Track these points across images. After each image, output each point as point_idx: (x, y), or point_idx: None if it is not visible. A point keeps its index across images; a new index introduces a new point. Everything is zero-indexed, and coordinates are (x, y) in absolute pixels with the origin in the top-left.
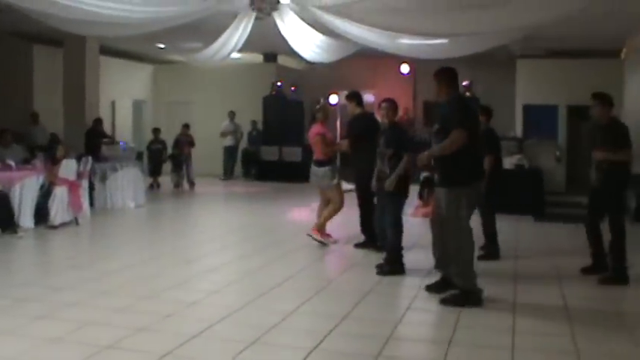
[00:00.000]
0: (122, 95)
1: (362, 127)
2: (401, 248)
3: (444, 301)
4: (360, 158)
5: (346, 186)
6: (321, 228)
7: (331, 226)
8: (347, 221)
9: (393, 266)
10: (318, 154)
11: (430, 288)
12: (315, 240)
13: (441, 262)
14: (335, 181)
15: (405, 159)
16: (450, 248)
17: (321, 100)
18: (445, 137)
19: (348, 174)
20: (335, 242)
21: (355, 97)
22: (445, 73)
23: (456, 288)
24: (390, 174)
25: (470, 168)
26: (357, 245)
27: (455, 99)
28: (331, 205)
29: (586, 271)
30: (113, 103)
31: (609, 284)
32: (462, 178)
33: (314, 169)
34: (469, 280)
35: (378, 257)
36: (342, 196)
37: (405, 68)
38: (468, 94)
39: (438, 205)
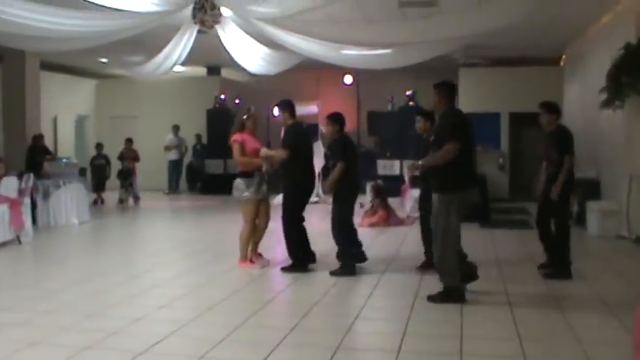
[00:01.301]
0: (64, 110)
1: (294, 137)
2: (351, 249)
3: (430, 299)
4: (292, 171)
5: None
6: (244, 257)
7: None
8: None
9: (346, 267)
10: (235, 164)
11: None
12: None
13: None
14: (247, 195)
15: (339, 166)
16: (436, 249)
17: (251, 109)
18: (439, 149)
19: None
20: (267, 263)
21: (287, 107)
22: (444, 86)
23: (470, 280)
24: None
25: (462, 176)
26: (284, 269)
27: (448, 112)
28: (243, 225)
29: (542, 267)
30: (55, 119)
31: (553, 278)
32: (453, 185)
33: (235, 180)
34: (454, 279)
35: (320, 272)
36: (263, 213)
37: (348, 79)
38: (411, 103)
39: (433, 212)
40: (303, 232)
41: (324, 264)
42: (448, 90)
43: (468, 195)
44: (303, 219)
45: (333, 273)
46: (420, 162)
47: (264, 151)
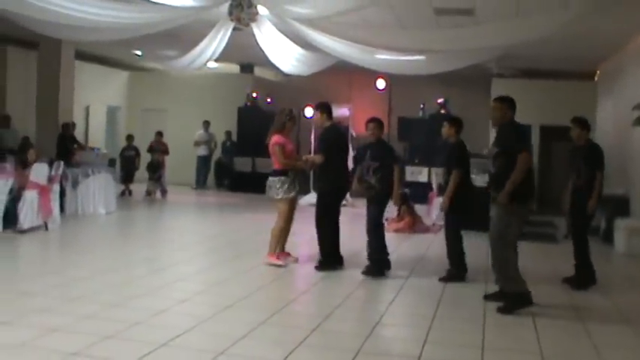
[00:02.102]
0: (96, 101)
1: (332, 139)
2: (383, 250)
3: (500, 310)
4: (329, 172)
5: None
6: (273, 251)
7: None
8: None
9: (376, 267)
10: (275, 163)
11: (489, 297)
12: (273, 265)
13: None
14: (281, 194)
15: (397, 170)
16: (498, 260)
17: (293, 110)
18: (505, 160)
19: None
20: (296, 261)
21: (324, 109)
22: (507, 99)
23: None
24: (376, 184)
25: (527, 188)
26: (317, 267)
27: (512, 124)
28: (277, 222)
29: (566, 280)
30: (87, 109)
31: (580, 289)
32: (519, 196)
33: (268, 179)
34: (520, 285)
35: (345, 274)
36: (291, 212)
37: (381, 83)
38: (442, 111)
39: (493, 222)
40: (337, 232)
41: (349, 265)
42: (510, 103)
43: (529, 208)
44: (338, 219)
45: (365, 272)
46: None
47: (306, 157)
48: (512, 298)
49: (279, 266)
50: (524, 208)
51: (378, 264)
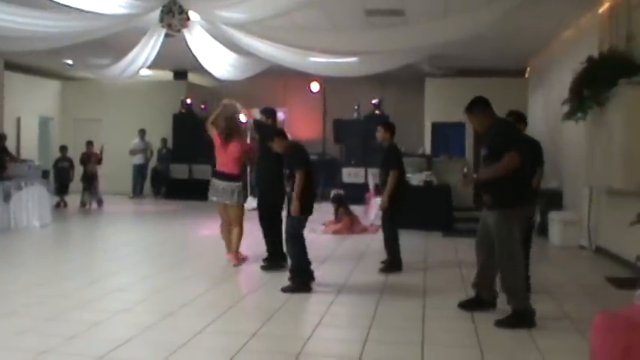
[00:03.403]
0: (28, 112)
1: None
2: (306, 264)
3: (498, 323)
4: (267, 172)
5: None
6: (235, 250)
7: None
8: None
9: (298, 284)
10: (234, 168)
11: (464, 305)
12: (236, 265)
13: (481, 284)
14: (242, 200)
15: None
16: (501, 271)
17: (258, 114)
18: (495, 162)
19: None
20: (245, 260)
21: (270, 114)
22: (478, 103)
23: (488, 307)
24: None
25: (521, 190)
26: (264, 267)
27: (500, 123)
28: (236, 226)
29: None
30: (18, 120)
31: None
32: (513, 200)
33: (225, 184)
34: (523, 301)
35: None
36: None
37: (315, 86)
38: (377, 112)
39: (485, 228)
40: (281, 231)
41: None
42: (483, 106)
43: (527, 211)
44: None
45: (285, 289)
46: (474, 174)
47: None
48: (517, 314)
49: (236, 265)
50: (523, 211)
51: (303, 278)
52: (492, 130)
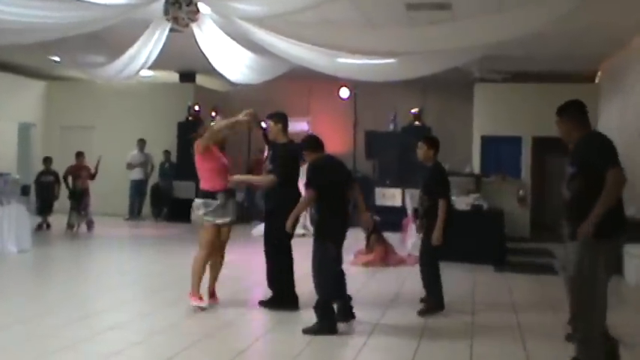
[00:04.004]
0: (5, 116)
1: (288, 158)
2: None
3: None
4: (281, 196)
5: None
6: (196, 289)
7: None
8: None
9: (323, 323)
10: (221, 184)
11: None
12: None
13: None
14: (209, 218)
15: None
16: (578, 312)
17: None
18: (584, 182)
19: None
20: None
21: (282, 121)
22: (572, 107)
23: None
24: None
25: (613, 217)
26: (262, 303)
27: (593, 135)
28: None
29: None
30: None
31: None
32: (603, 229)
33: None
34: (597, 353)
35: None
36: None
37: (344, 92)
38: (417, 123)
39: (567, 261)
40: (291, 266)
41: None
42: (578, 111)
43: (617, 244)
44: (290, 249)
45: (306, 331)
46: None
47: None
48: None
49: (202, 308)
50: (613, 244)
51: (328, 318)
52: (584, 143)
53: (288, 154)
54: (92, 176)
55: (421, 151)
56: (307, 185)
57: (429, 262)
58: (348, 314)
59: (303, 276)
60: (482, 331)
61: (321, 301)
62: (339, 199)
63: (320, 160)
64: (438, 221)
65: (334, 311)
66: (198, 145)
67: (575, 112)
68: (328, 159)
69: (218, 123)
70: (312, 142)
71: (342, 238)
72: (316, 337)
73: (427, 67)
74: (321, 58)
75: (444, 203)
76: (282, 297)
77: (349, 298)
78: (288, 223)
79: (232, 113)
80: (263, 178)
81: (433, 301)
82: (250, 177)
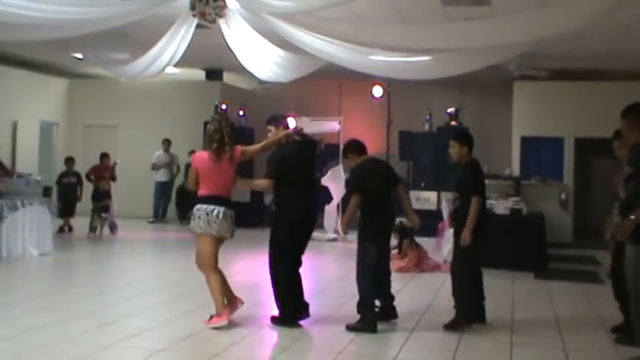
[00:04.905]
0: (27, 115)
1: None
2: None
3: None
4: (277, 198)
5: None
6: (222, 309)
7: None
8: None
9: (364, 322)
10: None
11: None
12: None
13: None
14: (203, 228)
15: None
16: (633, 320)
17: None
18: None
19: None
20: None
21: (280, 125)
22: (634, 109)
23: None
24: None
25: None
26: (273, 319)
27: None
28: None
29: (616, 330)
30: (15, 125)
31: (625, 344)
32: None
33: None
34: None
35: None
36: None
37: (377, 91)
38: (453, 123)
39: (628, 269)
40: (297, 277)
41: (336, 318)
42: (635, 112)
43: None
44: (299, 261)
45: (350, 327)
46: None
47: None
48: None
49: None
50: None
51: (369, 317)
52: None
53: (283, 155)
54: (113, 178)
55: (454, 150)
56: (351, 190)
57: (457, 268)
58: (390, 313)
59: (336, 280)
60: (523, 340)
61: (361, 300)
62: (383, 202)
63: (363, 163)
64: (468, 220)
65: (374, 310)
66: (243, 152)
67: (634, 114)
68: (372, 162)
69: (276, 134)
70: (355, 146)
71: (385, 240)
72: (358, 334)
73: (463, 65)
74: (353, 55)
75: (477, 201)
76: (282, 311)
77: (392, 297)
78: (343, 228)
79: (260, 112)
80: (261, 182)
81: (460, 315)
82: (250, 180)
